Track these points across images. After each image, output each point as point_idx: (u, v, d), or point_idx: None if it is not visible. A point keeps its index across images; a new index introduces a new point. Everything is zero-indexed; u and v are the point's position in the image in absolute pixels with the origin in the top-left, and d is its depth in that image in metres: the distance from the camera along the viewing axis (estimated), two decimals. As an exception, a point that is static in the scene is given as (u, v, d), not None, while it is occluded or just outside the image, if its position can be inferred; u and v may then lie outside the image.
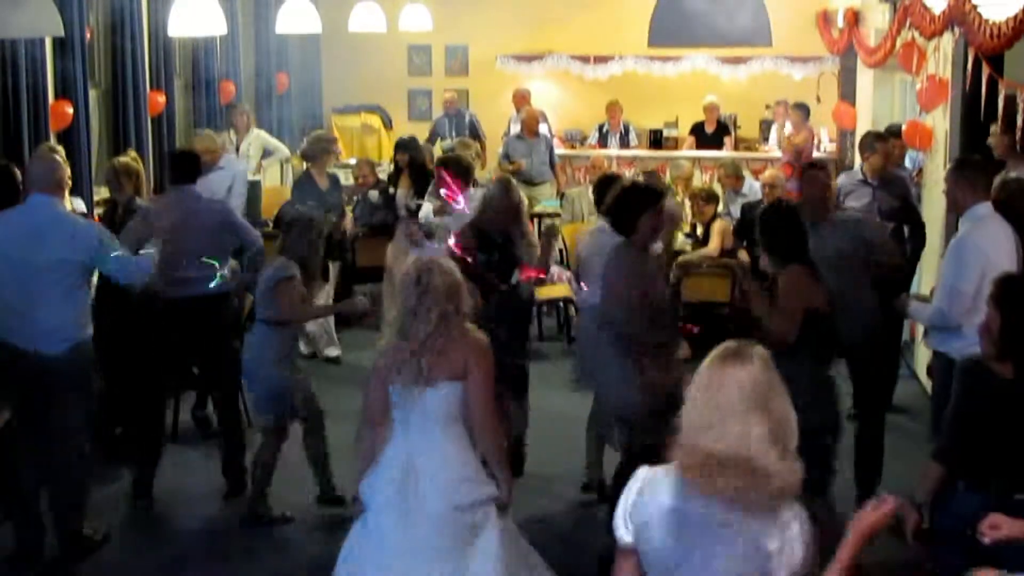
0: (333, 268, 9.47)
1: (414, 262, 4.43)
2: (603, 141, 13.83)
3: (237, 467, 6.64)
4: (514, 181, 6.84)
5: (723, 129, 13.64)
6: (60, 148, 7.64)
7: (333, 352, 9.30)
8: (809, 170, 6.57)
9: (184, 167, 6.71)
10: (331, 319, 9.25)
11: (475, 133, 12.99)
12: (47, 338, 5.49)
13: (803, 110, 12.38)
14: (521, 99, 13.46)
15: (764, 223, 5.43)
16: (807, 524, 2.79)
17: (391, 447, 4.32)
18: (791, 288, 5.16)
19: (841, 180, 8.23)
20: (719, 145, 13.49)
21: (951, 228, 6.46)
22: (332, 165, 10.25)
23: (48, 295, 5.48)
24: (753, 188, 10.41)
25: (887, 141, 8.32)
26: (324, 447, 6.31)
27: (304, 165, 10.03)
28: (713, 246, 9.38)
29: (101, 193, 8.47)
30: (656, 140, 13.87)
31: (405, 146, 10.53)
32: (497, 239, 6.48)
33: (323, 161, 9.62)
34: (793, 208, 5.59)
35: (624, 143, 13.74)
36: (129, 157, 7.66)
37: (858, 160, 11.40)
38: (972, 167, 5.93)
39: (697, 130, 13.70)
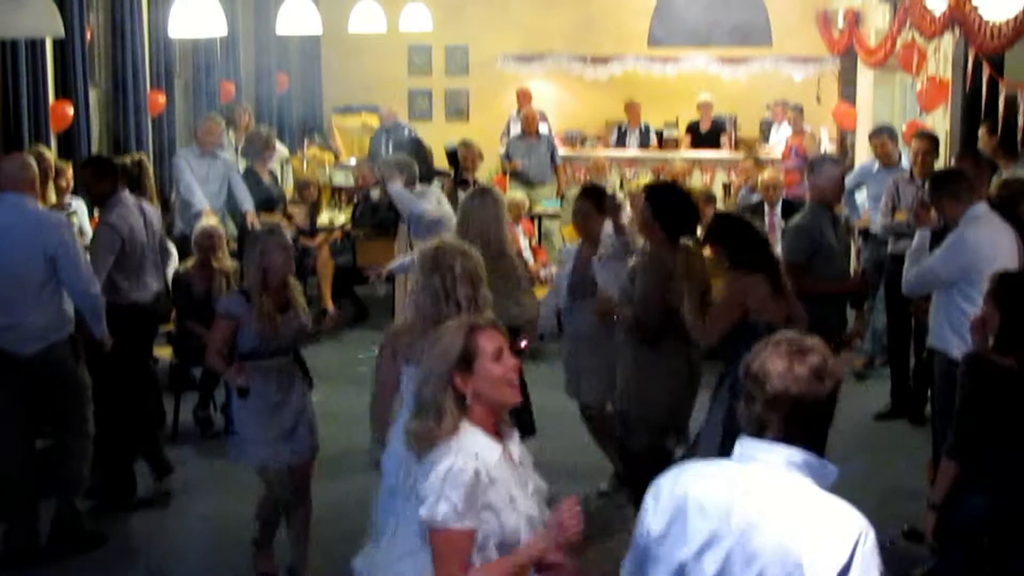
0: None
1: (439, 244, 4.42)
2: (622, 140, 13.84)
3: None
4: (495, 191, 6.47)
5: (719, 127, 13.66)
6: (45, 149, 7.68)
7: None
8: (823, 164, 6.48)
9: (122, 175, 6.63)
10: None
11: (415, 148, 11.93)
12: (23, 338, 5.52)
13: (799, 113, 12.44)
14: (524, 98, 13.46)
15: (718, 233, 5.41)
16: None
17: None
18: (733, 294, 5.15)
19: (892, 177, 8.00)
20: (716, 144, 13.51)
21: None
22: (272, 162, 10.30)
23: (22, 295, 5.49)
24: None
25: (928, 139, 8.09)
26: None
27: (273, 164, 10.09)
28: (714, 245, 9.37)
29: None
30: (656, 140, 13.91)
31: (407, 146, 10.55)
32: None
33: (265, 157, 9.65)
34: (742, 218, 5.60)
35: (645, 142, 13.75)
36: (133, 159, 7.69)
37: (857, 160, 11.46)
38: (947, 181, 5.92)
39: (693, 129, 13.72)
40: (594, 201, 6.33)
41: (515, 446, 3.13)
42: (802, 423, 2.45)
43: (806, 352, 2.47)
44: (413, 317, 4.40)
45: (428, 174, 10.07)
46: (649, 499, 2.60)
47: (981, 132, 7.62)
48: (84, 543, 5.86)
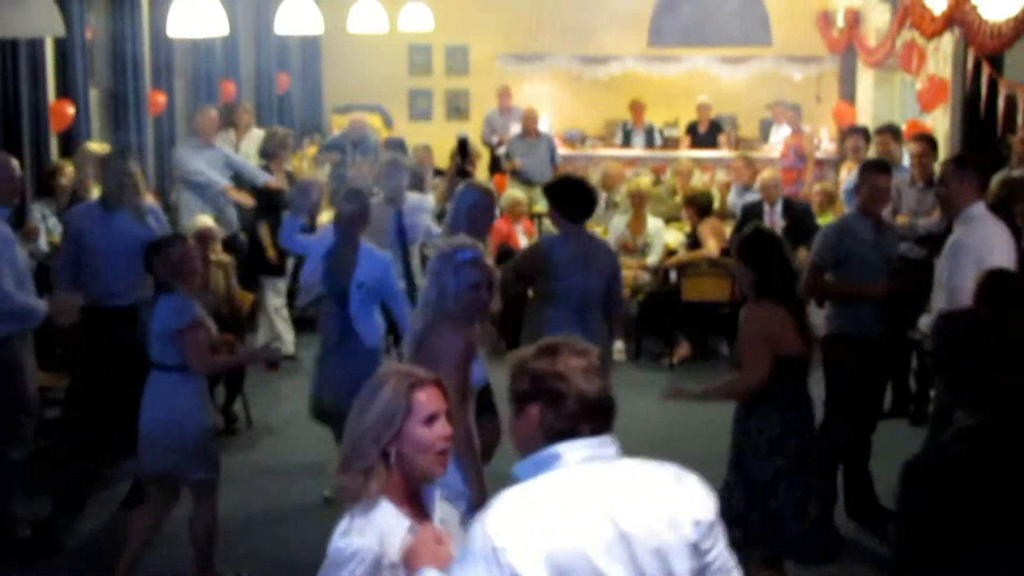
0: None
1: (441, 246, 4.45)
2: (626, 140, 13.84)
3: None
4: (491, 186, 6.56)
5: (716, 128, 13.68)
6: (96, 146, 7.90)
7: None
8: (871, 171, 6.28)
9: None
10: (284, 320, 9.23)
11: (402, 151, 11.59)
12: None
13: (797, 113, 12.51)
14: (504, 97, 13.45)
15: (749, 250, 5.05)
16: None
17: None
18: (755, 326, 4.87)
19: (894, 180, 7.93)
20: (714, 144, 13.54)
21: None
22: (289, 162, 10.21)
23: None
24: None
25: (925, 142, 7.99)
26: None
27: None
28: (711, 246, 9.36)
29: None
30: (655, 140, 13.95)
31: (392, 147, 10.51)
32: None
33: (280, 157, 9.63)
34: (775, 235, 5.43)
35: (650, 142, 13.76)
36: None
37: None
38: (972, 166, 5.91)
39: (692, 130, 13.76)
40: None
41: (436, 513, 2.87)
42: (605, 415, 2.58)
43: (589, 352, 2.60)
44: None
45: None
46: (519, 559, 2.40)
47: (1015, 141, 7.54)
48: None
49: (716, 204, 11.06)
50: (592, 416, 2.54)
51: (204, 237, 7.75)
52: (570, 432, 2.53)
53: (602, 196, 10.88)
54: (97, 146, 8.12)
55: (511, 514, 2.44)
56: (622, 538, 2.44)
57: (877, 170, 6.27)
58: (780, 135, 13.01)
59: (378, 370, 2.95)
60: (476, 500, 4.17)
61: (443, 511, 2.91)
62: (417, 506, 2.83)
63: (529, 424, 2.57)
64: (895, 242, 6.41)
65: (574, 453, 2.52)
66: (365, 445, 2.77)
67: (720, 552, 2.59)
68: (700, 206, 9.60)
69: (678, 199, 10.95)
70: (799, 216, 9.43)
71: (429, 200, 8.19)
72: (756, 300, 4.89)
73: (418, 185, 8.88)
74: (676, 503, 2.52)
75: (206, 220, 8.17)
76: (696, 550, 2.52)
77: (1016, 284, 4.44)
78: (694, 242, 9.55)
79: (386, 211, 7.54)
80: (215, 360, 5.33)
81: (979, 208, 5.71)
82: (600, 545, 2.42)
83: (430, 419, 2.79)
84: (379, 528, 2.73)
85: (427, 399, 2.80)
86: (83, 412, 6.35)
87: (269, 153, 9.56)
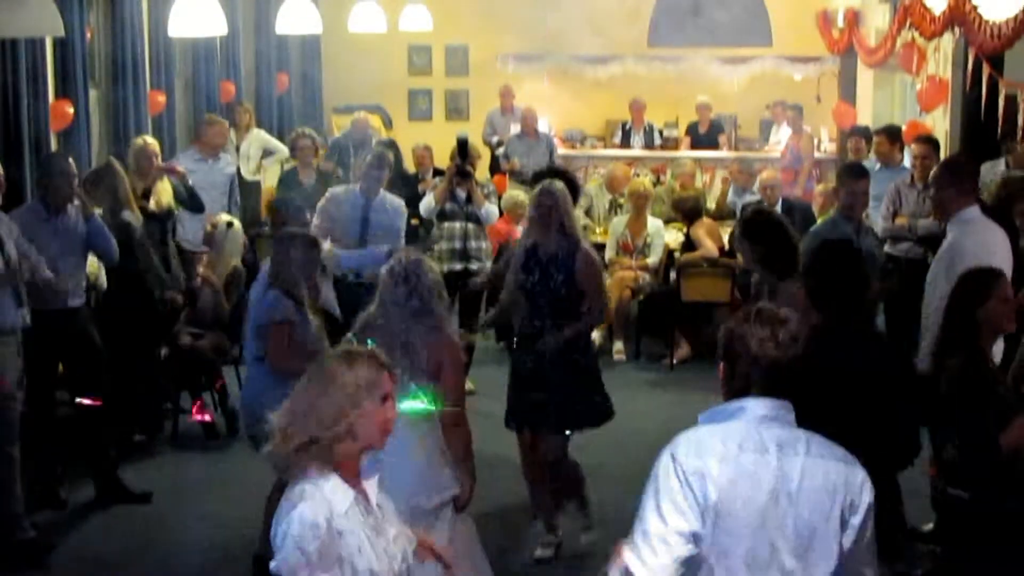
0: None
1: (397, 259, 4.58)
2: (626, 140, 13.83)
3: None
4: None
5: (717, 128, 13.68)
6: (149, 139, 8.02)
7: None
8: (848, 177, 6.35)
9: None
10: None
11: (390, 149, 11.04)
12: None
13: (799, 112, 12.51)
14: (507, 96, 13.44)
15: (754, 231, 5.16)
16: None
17: None
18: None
19: (894, 181, 7.91)
20: (715, 145, 13.53)
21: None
22: (316, 160, 10.12)
23: None
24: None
25: (928, 144, 7.97)
26: None
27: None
28: (708, 245, 9.35)
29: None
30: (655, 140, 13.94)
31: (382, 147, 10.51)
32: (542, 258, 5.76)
33: (302, 156, 9.58)
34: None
35: (649, 142, 13.75)
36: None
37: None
38: (965, 170, 5.91)
39: (692, 131, 13.75)
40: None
41: (373, 490, 3.01)
42: (778, 383, 2.82)
43: (783, 323, 2.83)
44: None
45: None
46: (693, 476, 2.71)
47: (1014, 147, 7.55)
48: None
49: (714, 203, 11.10)
50: (762, 380, 2.78)
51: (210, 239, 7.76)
52: (742, 391, 2.80)
53: (607, 197, 10.86)
54: (151, 140, 8.15)
55: (698, 446, 2.73)
56: (784, 493, 2.69)
57: (853, 175, 6.34)
58: (780, 135, 13.01)
59: (333, 349, 3.10)
60: (464, 498, 4.36)
61: (379, 497, 3.03)
62: (358, 480, 2.97)
63: (719, 377, 2.88)
64: (874, 243, 6.49)
65: (758, 409, 2.78)
66: (326, 419, 2.87)
67: (865, 540, 2.76)
68: (686, 210, 9.62)
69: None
70: (799, 216, 9.43)
71: (403, 208, 8.03)
72: (779, 278, 4.93)
73: (407, 187, 8.86)
74: (841, 478, 2.73)
75: (224, 218, 8.11)
76: (844, 526, 2.71)
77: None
78: (689, 245, 9.54)
79: (358, 201, 7.65)
80: (296, 362, 5.03)
81: (973, 211, 5.70)
82: (763, 493, 2.68)
83: (385, 398, 2.95)
84: (326, 496, 2.84)
85: (386, 380, 2.96)
86: (36, 415, 6.25)
87: (291, 151, 9.70)
